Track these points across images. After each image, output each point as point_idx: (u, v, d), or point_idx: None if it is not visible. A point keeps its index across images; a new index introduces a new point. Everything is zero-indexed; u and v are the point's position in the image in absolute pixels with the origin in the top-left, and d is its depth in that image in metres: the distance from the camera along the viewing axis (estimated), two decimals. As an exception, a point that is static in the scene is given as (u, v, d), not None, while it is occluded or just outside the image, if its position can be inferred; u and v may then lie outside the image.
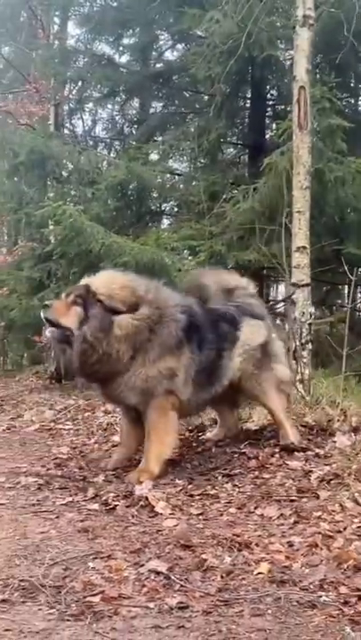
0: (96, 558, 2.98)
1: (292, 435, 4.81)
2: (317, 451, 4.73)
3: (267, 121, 11.48)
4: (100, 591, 2.63)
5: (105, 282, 4.42)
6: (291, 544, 3.15)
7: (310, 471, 4.30)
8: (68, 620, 2.40)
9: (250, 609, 2.50)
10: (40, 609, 2.50)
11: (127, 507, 3.73)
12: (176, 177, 11.49)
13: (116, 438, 5.58)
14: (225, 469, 4.49)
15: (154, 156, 11.33)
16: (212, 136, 10.14)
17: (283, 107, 10.87)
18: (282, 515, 3.58)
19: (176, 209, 11.16)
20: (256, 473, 4.36)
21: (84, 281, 4.54)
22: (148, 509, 3.68)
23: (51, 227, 9.38)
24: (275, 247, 7.99)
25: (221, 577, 2.79)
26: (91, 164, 10.28)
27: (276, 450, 4.72)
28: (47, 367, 10.07)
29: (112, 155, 12.12)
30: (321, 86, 8.02)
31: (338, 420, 5.24)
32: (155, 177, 10.28)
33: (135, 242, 8.75)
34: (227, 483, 4.23)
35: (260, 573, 2.81)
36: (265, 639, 2.27)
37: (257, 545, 3.13)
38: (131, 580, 2.77)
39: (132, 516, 3.58)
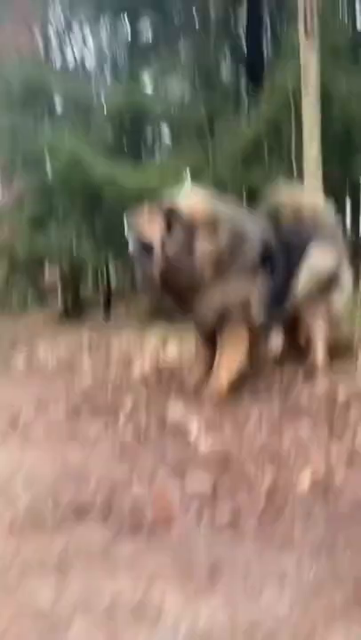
0: (139, 481, 3.01)
1: (319, 360, 4.82)
2: (342, 374, 4.74)
3: (264, 41, 11.07)
4: (149, 511, 2.66)
5: (188, 200, 4.37)
6: (329, 459, 3.18)
7: (336, 391, 4.33)
8: (123, 539, 2.43)
9: (300, 520, 2.53)
10: (93, 529, 2.53)
11: (161, 430, 3.75)
12: (174, 103, 11.15)
13: (136, 370, 5.61)
14: (251, 391, 4.52)
15: (149, 82, 10.96)
16: (208, 58, 9.80)
17: (280, 25, 10.49)
18: (315, 432, 3.61)
19: (176, 135, 10.86)
20: (283, 394, 4.38)
21: (167, 196, 4.47)
22: (182, 432, 3.71)
23: (48, 160, 9.15)
24: (282, 169, 7.84)
25: (266, 493, 2.83)
26: (85, 94, 9.96)
27: (300, 372, 4.74)
28: (56, 304, 10.05)
29: (106, 83, 11.67)
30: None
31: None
32: (152, 103, 9.98)
33: (136, 170, 8.56)
34: (255, 403, 4.25)
35: (304, 488, 2.85)
36: (320, 545, 2.31)
37: (296, 460, 3.16)
38: (176, 499, 2.80)
39: (168, 440, 3.61)
